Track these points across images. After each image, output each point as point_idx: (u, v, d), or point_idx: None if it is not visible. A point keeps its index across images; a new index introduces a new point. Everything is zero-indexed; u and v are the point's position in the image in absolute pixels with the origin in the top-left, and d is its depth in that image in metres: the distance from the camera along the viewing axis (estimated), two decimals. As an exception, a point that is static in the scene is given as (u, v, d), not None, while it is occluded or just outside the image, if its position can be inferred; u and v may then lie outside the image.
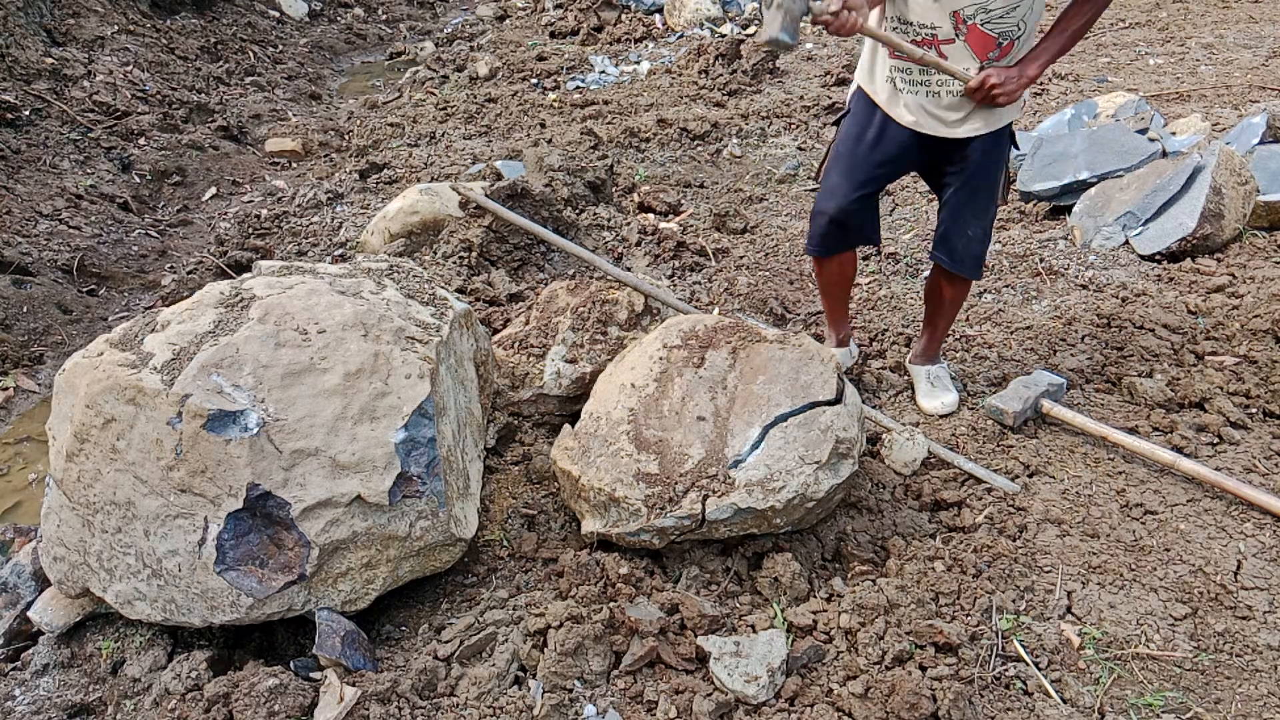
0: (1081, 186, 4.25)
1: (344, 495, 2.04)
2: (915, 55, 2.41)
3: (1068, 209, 4.27)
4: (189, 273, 4.64)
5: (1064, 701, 1.96)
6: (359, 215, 4.93)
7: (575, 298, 3.18)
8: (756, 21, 9.27)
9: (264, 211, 5.26)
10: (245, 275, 2.51)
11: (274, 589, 2.02)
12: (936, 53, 2.42)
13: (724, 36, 8.41)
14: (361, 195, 5.29)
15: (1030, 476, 2.65)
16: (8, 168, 5.09)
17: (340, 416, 2.09)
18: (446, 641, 2.10)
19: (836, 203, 2.71)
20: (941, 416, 2.95)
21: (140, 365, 2.08)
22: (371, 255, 3.42)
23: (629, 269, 3.98)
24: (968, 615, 2.16)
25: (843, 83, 6.89)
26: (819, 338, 3.35)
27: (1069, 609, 2.19)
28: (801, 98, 6.60)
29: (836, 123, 2.81)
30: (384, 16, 11.02)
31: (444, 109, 6.92)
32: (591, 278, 3.65)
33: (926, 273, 3.38)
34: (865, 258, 4.14)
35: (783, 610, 2.16)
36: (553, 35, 9.38)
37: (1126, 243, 3.92)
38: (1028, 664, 2.05)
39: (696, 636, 2.08)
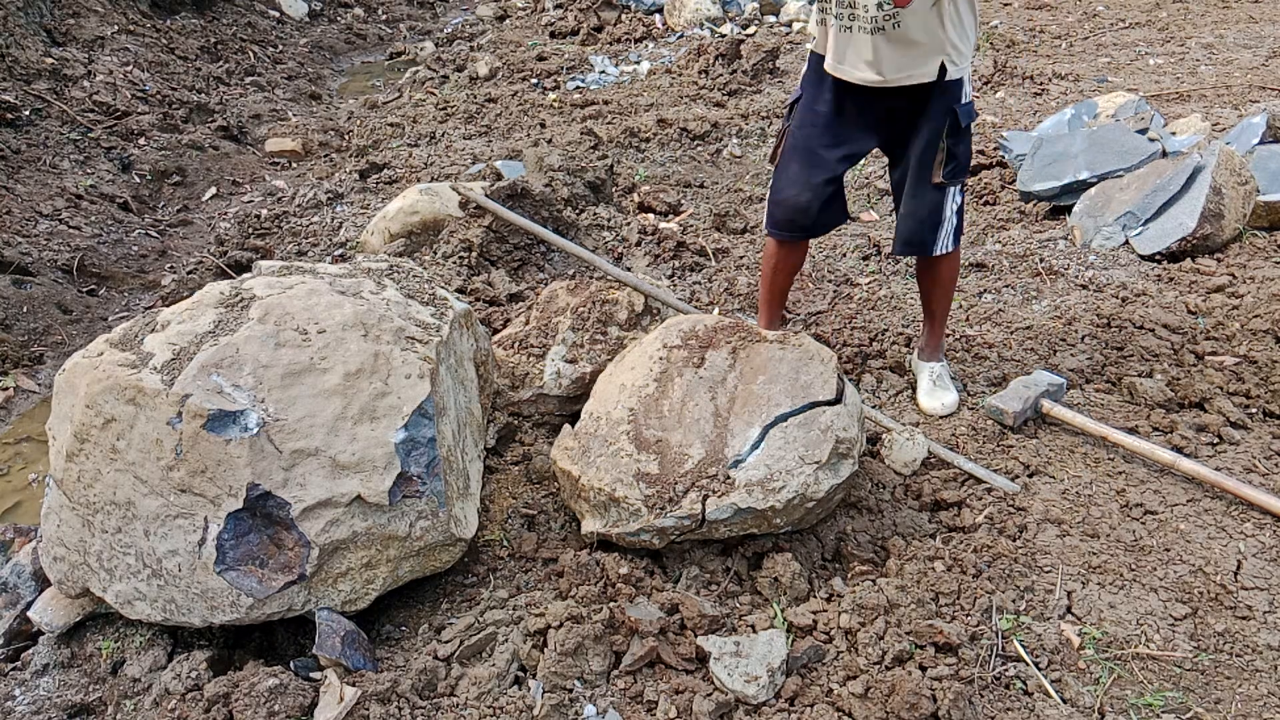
0: (1081, 186, 4.25)
1: (344, 495, 2.04)
2: None
3: (1068, 209, 4.27)
4: (189, 273, 4.64)
5: (1064, 701, 1.96)
6: (359, 215, 4.93)
7: (575, 298, 3.18)
8: (756, 23, 9.28)
9: (264, 211, 5.26)
10: (245, 275, 2.51)
11: (274, 589, 2.02)
12: None
13: (724, 36, 8.40)
14: (361, 195, 5.29)
15: (1030, 476, 2.65)
16: (8, 168, 5.09)
17: (340, 416, 2.09)
18: (446, 641, 2.10)
19: (797, 191, 2.77)
20: (941, 417, 2.95)
21: (140, 365, 2.08)
22: (371, 255, 3.42)
23: (629, 269, 3.98)
24: (968, 615, 2.16)
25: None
26: (819, 338, 3.35)
27: (1069, 609, 2.19)
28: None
29: (790, 108, 2.83)
30: (384, 16, 11.02)
31: (444, 109, 6.92)
32: (591, 278, 3.65)
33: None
34: (865, 258, 4.14)
35: (783, 610, 2.16)
36: (553, 35, 9.38)
37: (1126, 243, 3.92)
38: (1028, 664, 2.05)
39: (696, 636, 2.08)
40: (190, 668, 2.05)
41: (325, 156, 6.36)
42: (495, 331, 3.36)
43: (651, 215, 4.64)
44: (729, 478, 2.23)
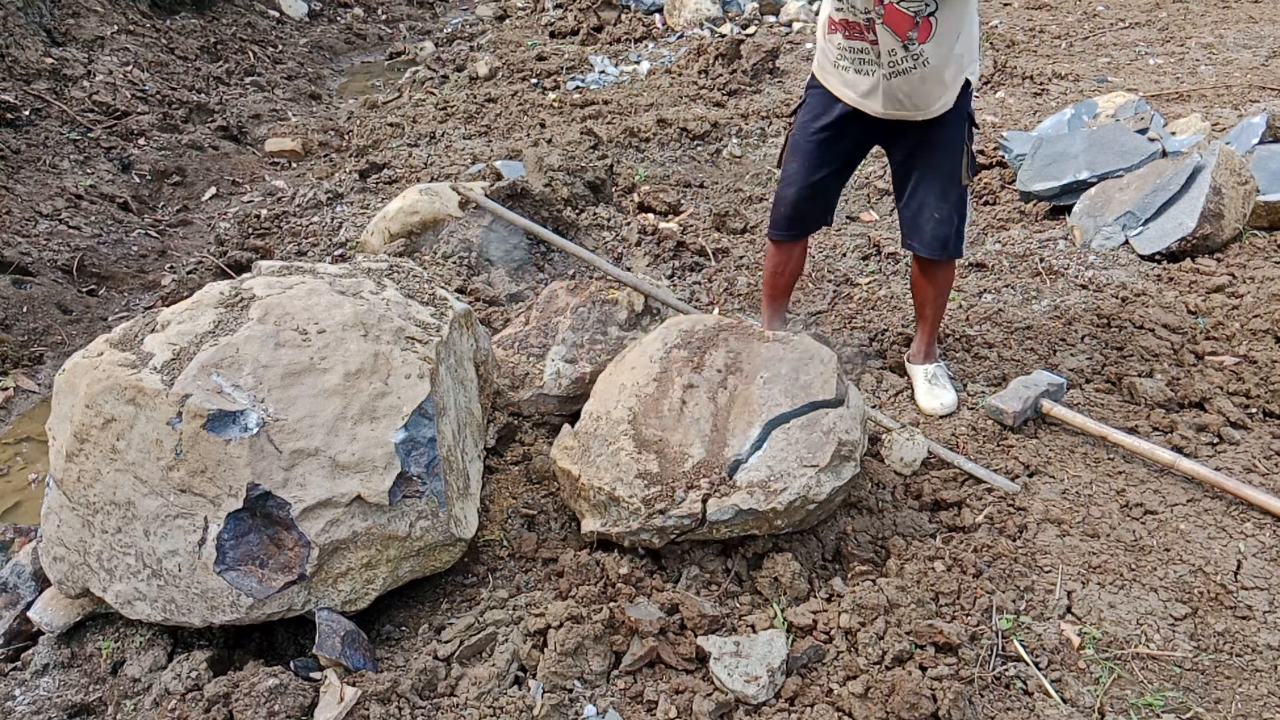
0: (1081, 186, 4.25)
1: (344, 495, 2.04)
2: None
3: (1068, 209, 4.27)
4: (189, 273, 4.64)
5: (1064, 701, 1.96)
6: (359, 215, 4.92)
7: (575, 298, 3.18)
8: (756, 23, 9.28)
9: (264, 211, 5.26)
10: (245, 275, 2.51)
11: (274, 589, 2.02)
12: (871, 35, 2.48)
13: (724, 36, 8.40)
14: (361, 195, 5.28)
15: (1030, 476, 2.65)
16: (8, 168, 5.09)
17: (340, 416, 2.09)
18: (446, 641, 2.10)
19: (795, 189, 2.84)
20: (941, 417, 2.95)
21: (140, 365, 2.08)
22: (371, 255, 3.42)
23: (629, 269, 3.98)
24: (968, 615, 2.16)
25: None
26: (819, 337, 3.35)
27: (1069, 609, 2.19)
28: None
29: (793, 113, 2.91)
30: (384, 16, 11.01)
31: (444, 109, 6.92)
32: (591, 278, 3.65)
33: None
34: (865, 258, 4.14)
35: (783, 610, 2.16)
36: (552, 35, 9.37)
37: (1126, 243, 3.92)
38: (1028, 664, 2.05)
39: (696, 636, 2.08)
40: (190, 668, 2.05)
41: (325, 156, 6.36)
42: (495, 331, 3.36)
43: (651, 215, 4.64)
44: (730, 478, 2.23)
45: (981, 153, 4.93)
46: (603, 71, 7.88)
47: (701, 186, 5.21)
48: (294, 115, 7.27)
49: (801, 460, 2.24)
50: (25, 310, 4.14)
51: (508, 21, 10.50)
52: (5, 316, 4.05)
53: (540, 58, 8.21)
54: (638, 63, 8.13)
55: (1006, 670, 2.03)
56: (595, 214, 4.33)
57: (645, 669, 2.06)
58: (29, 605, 2.26)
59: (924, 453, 2.70)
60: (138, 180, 5.62)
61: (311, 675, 2.02)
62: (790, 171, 2.86)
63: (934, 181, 2.72)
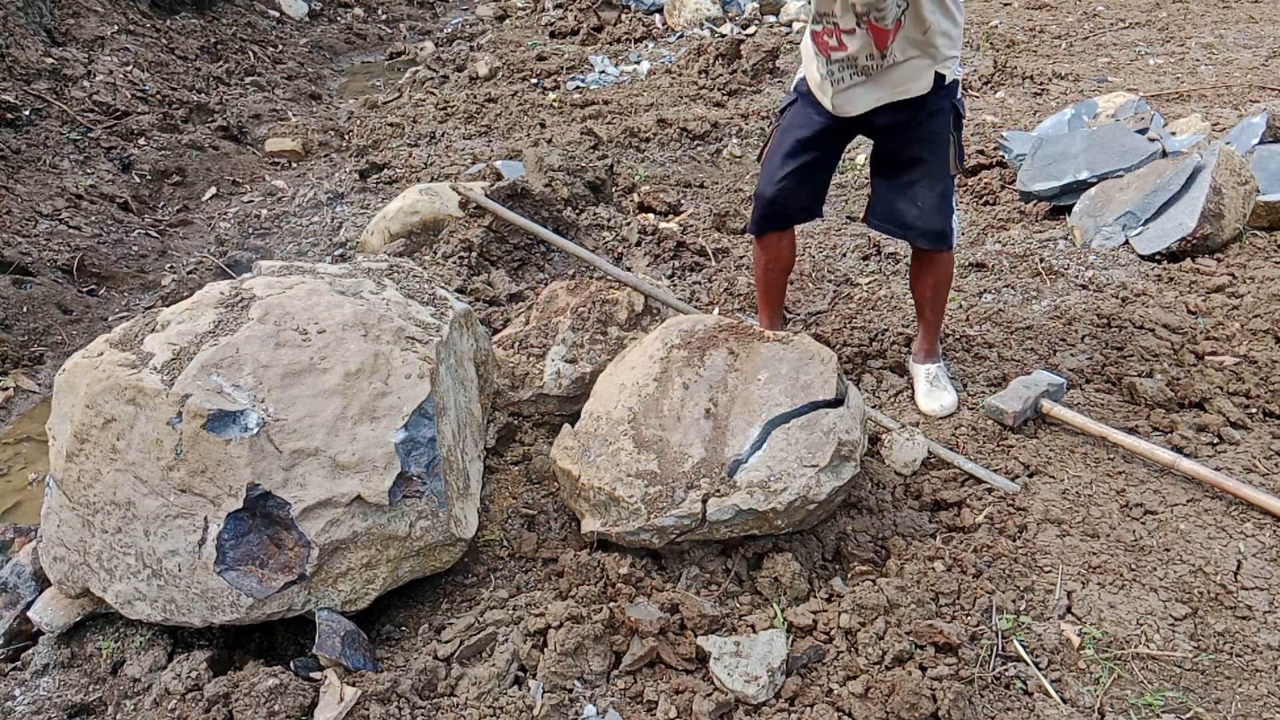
0: (1081, 186, 4.25)
1: (344, 495, 2.04)
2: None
3: (1068, 209, 4.27)
4: (189, 273, 4.64)
5: (1064, 701, 1.96)
6: (359, 215, 4.93)
7: (575, 298, 3.18)
8: (756, 23, 9.28)
9: (264, 211, 5.26)
10: (245, 275, 2.51)
11: (274, 589, 2.02)
12: (838, 40, 2.51)
13: (724, 36, 8.40)
14: (361, 195, 5.29)
15: (1030, 476, 2.65)
16: (8, 168, 5.09)
17: (340, 416, 2.09)
18: (446, 641, 2.10)
19: (772, 183, 2.84)
20: (941, 418, 2.95)
21: (140, 365, 2.08)
22: (371, 255, 3.42)
23: (629, 269, 3.98)
24: (968, 615, 2.16)
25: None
26: (819, 337, 3.35)
27: (1069, 609, 2.19)
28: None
29: (781, 112, 2.90)
30: (384, 16, 11.01)
31: (444, 109, 6.92)
32: (591, 278, 3.65)
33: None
34: (865, 258, 4.14)
35: (783, 610, 2.16)
36: (553, 35, 9.38)
37: (1126, 243, 3.92)
38: (1028, 664, 2.05)
39: (696, 636, 2.08)
40: (190, 668, 2.05)
41: (325, 156, 6.36)
42: (495, 331, 3.36)
43: (651, 215, 4.64)
44: (730, 478, 2.23)
45: (981, 153, 4.93)
46: (603, 71, 7.88)
47: (701, 186, 5.21)
48: (294, 115, 7.27)
49: (801, 460, 2.24)
50: (25, 310, 4.14)
51: (508, 21, 10.50)
52: (5, 316, 4.05)
53: (540, 58, 8.21)
54: (638, 63, 8.13)
55: (1006, 670, 2.03)
56: (595, 214, 4.33)
57: (645, 669, 2.06)
58: (29, 605, 2.26)
59: (924, 453, 2.70)
60: (138, 180, 5.62)
61: (311, 675, 2.02)
62: (770, 167, 2.86)
63: (920, 173, 2.72)
